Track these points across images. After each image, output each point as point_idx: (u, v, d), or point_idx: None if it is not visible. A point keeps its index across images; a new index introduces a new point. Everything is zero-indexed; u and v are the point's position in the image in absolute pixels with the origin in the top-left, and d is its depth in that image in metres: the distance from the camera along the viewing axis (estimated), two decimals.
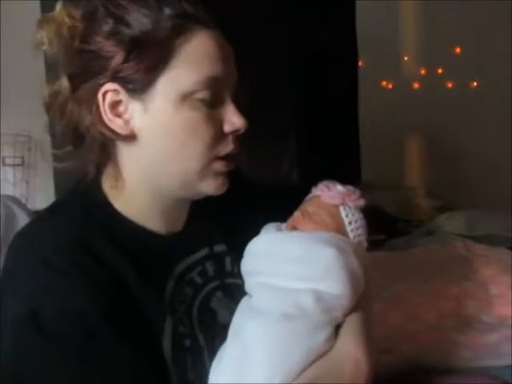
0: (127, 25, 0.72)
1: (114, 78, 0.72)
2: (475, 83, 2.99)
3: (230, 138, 0.76)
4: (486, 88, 2.91)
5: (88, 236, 0.73)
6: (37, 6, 2.49)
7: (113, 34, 0.72)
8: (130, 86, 0.72)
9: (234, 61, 0.77)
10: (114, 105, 0.74)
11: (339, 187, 0.86)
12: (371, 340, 0.75)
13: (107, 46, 0.72)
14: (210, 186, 0.77)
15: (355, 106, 3.06)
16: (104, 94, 0.73)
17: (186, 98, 0.72)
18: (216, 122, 0.75)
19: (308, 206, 0.86)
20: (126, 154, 0.77)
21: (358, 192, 0.86)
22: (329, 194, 0.85)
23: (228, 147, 0.76)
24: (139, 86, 0.72)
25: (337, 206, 0.85)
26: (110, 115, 0.74)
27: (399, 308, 1.18)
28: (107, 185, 0.79)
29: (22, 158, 2.50)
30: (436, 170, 3.07)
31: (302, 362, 0.70)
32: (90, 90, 0.73)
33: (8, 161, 2.50)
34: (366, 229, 0.86)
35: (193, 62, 0.72)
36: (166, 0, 0.73)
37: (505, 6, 2.74)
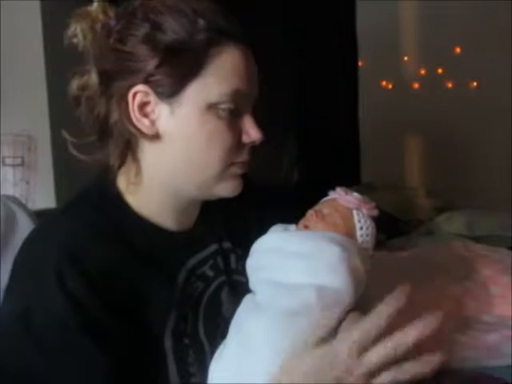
0: (163, 31, 0.74)
1: (146, 81, 0.75)
2: (475, 83, 2.98)
3: (247, 147, 0.81)
4: (486, 88, 2.90)
5: (94, 235, 0.75)
6: (37, 6, 2.50)
7: (149, 39, 0.74)
8: (160, 90, 0.75)
9: (256, 78, 0.81)
10: (143, 105, 0.76)
11: (356, 194, 0.89)
12: None
13: (142, 50, 0.74)
14: (227, 189, 0.81)
15: (355, 105, 3.06)
16: (134, 94, 0.76)
17: (211, 107, 0.75)
18: (235, 132, 0.78)
19: (323, 207, 0.89)
20: (149, 153, 0.79)
21: (373, 203, 0.89)
22: (346, 197, 0.88)
23: (244, 155, 0.80)
24: (169, 91, 0.75)
25: (351, 210, 0.87)
26: (137, 114, 0.76)
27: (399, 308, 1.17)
28: (123, 181, 0.81)
29: (22, 158, 2.50)
30: (436, 170, 3.07)
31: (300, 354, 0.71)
32: (121, 89, 0.76)
33: (8, 161, 2.50)
34: (374, 238, 0.89)
35: (222, 74, 0.75)
36: (201, 12, 0.75)
37: (505, 6, 2.74)
